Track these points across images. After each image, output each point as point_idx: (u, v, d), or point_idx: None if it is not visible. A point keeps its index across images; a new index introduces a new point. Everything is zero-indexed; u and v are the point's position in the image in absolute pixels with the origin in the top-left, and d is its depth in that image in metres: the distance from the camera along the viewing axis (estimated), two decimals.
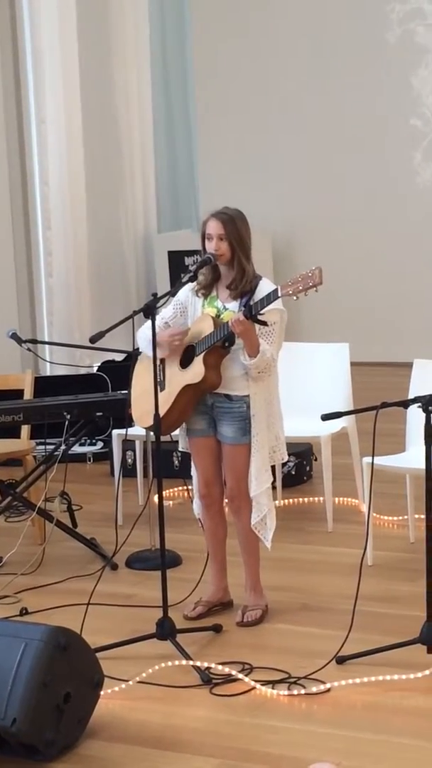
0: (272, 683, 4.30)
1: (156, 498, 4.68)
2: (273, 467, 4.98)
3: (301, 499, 6.63)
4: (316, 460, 6.96)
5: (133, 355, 5.04)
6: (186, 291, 4.89)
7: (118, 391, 6.45)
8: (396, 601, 5.05)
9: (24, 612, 5.06)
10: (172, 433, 4.93)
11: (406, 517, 5.88)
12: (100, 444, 7.81)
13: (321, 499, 6.34)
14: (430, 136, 10.26)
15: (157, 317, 4.79)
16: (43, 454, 6.11)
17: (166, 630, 4.55)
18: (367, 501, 5.01)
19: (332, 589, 5.21)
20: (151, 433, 4.76)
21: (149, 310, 4.58)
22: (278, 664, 4.45)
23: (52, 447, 5.90)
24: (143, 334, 4.82)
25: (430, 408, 4.32)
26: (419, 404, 4.35)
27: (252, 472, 4.79)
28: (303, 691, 4.24)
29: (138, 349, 4.95)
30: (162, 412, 4.62)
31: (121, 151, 10.27)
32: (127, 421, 5.42)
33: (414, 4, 10.20)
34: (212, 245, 4.73)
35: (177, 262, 10.17)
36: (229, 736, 3.97)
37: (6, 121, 9.00)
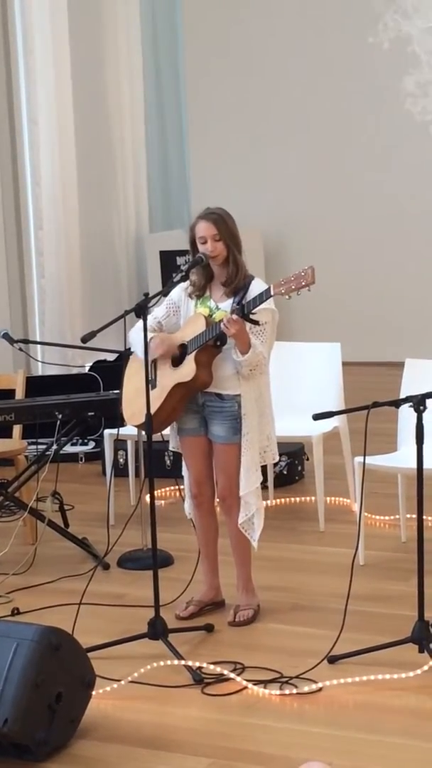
0: (264, 683, 4.30)
1: (148, 498, 4.68)
2: (264, 467, 4.98)
3: (292, 499, 6.63)
4: (307, 459, 6.96)
5: (124, 355, 5.04)
6: (179, 291, 4.89)
7: (110, 391, 6.44)
8: (387, 601, 5.05)
9: (15, 612, 5.05)
10: (163, 433, 4.94)
11: (397, 516, 5.89)
12: (91, 444, 7.80)
13: (313, 498, 6.34)
14: (422, 134, 10.26)
15: (150, 316, 4.81)
16: (35, 453, 6.11)
17: (157, 630, 4.55)
18: (358, 500, 5.02)
19: (324, 588, 5.22)
20: (143, 433, 4.75)
21: (141, 310, 4.58)
22: (270, 663, 4.45)
23: (44, 447, 5.90)
24: (135, 336, 4.81)
25: (421, 407, 4.33)
26: (411, 404, 4.36)
27: (241, 472, 4.79)
28: (295, 691, 4.24)
29: (129, 349, 4.95)
30: (152, 410, 4.62)
31: (112, 152, 10.26)
32: (119, 421, 5.41)
33: (404, 8, 10.21)
34: (207, 247, 4.73)
35: (169, 261, 10.16)
36: (221, 735, 3.97)
37: None
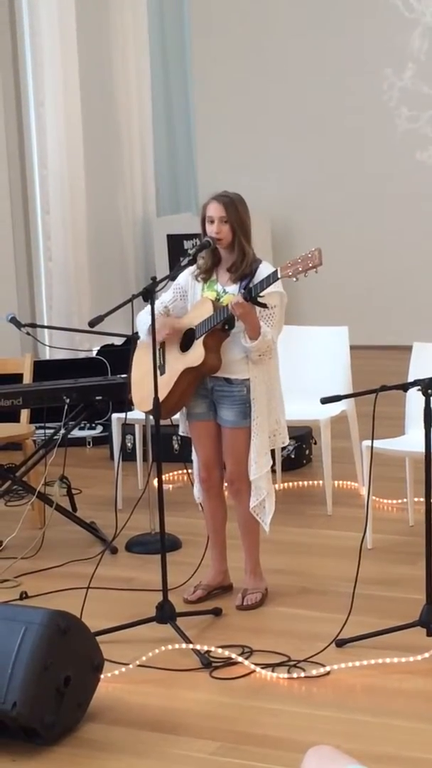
0: (272, 666, 4.30)
1: (156, 482, 4.68)
2: (272, 451, 4.98)
3: (300, 483, 6.63)
4: (315, 443, 6.96)
5: (132, 339, 5.02)
6: (186, 275, 4.88)
7: (118, 375, 6.44)
8: (395, 584, 5.05)
9: (24, 596, 5.07)
10: (173, 417, 4.93)
11: (405, 500, 5.89)
12: (99, 428, 7.80)
13: (320, 482, 6.34)
14: (430, 117, 10.23)
15: (157, 301, 4.78)
16: (43, 438, 6.11)
17: (166, 613, 4.55)
18: (366, 484, 5.01)
19: (332, 572, 5.22)
20: (151, 417, 4.75)
21: (148, 294, 4.56)
22: (278, 647, 4.46)
23: (52, 431, 5.90)
24: (142, 320, 4.81)
25: (429, 391, 4.32)
26: (419, 387, 4.35)
27: (252, 456, 4.78)
28: (303, 674, 4.24)
29: (137, 333, 4.94)
30: (162, 396, 4.62)
31: (119, 134, 10.24)
32: (126, 405, 5.41)
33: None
34: (213, 228, 4.71)
35: (176, 245, 10.14)
36: (229, 719, 3.98)
37: (4, 104, 8.97)
